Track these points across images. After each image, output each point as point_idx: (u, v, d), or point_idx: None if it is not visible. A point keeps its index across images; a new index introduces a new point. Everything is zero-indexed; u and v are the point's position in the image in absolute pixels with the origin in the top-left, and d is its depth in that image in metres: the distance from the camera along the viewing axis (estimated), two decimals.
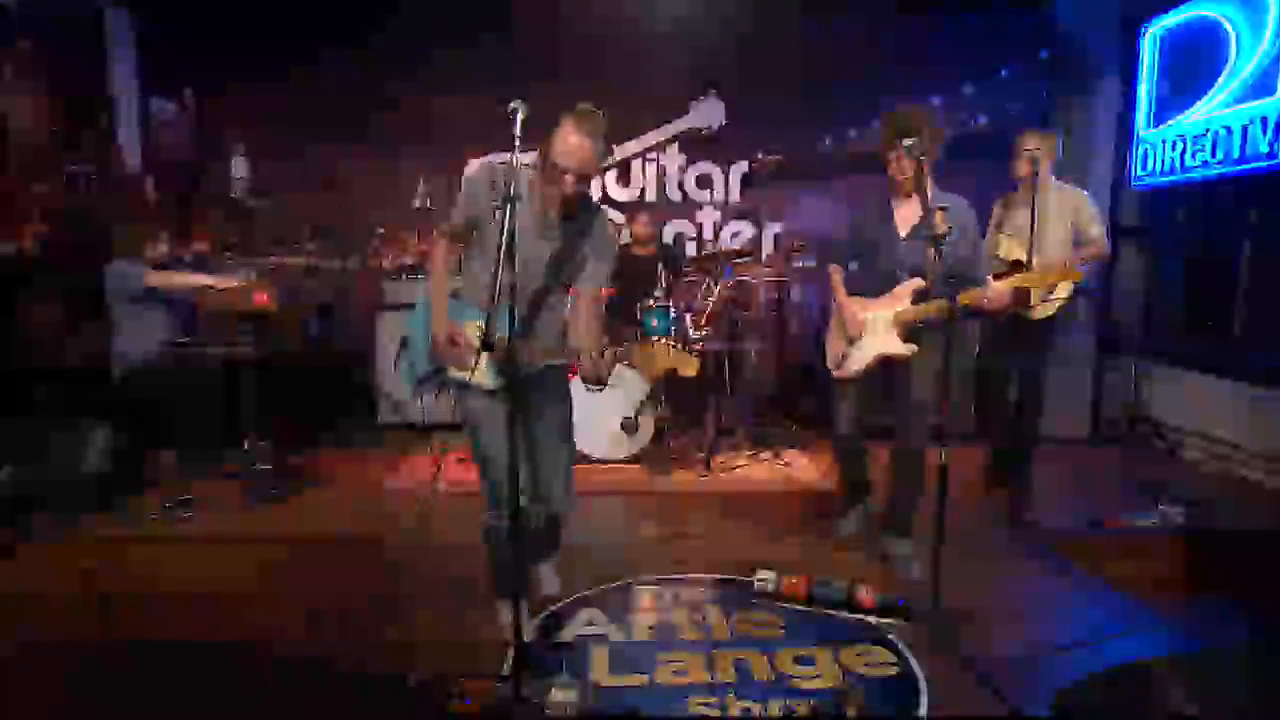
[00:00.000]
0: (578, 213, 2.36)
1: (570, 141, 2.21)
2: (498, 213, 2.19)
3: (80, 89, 5.19)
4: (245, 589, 2.95)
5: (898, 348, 2.95)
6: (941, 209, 2.75)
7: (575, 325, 2.39)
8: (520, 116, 2.04)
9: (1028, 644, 2.51)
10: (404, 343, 2.47)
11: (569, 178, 2.22)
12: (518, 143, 2.02)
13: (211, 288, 3.90)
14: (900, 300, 2.96)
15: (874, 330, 3.00)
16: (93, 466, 3.60)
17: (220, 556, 3.25)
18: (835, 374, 3.12)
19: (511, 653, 2.32)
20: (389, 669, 2.32)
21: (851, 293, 3.11)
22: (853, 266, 3.18)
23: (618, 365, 4.33)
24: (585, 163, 2.22)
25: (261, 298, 3.70)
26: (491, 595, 2.56)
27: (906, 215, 2.98)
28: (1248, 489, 4.25)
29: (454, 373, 2.34)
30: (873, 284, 3.04)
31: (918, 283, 2.93)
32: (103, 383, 4.02)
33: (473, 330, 2.29)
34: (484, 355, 2.21)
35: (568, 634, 2.53)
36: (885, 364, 3.02)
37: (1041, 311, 3.83)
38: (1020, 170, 3.86)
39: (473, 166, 2.46)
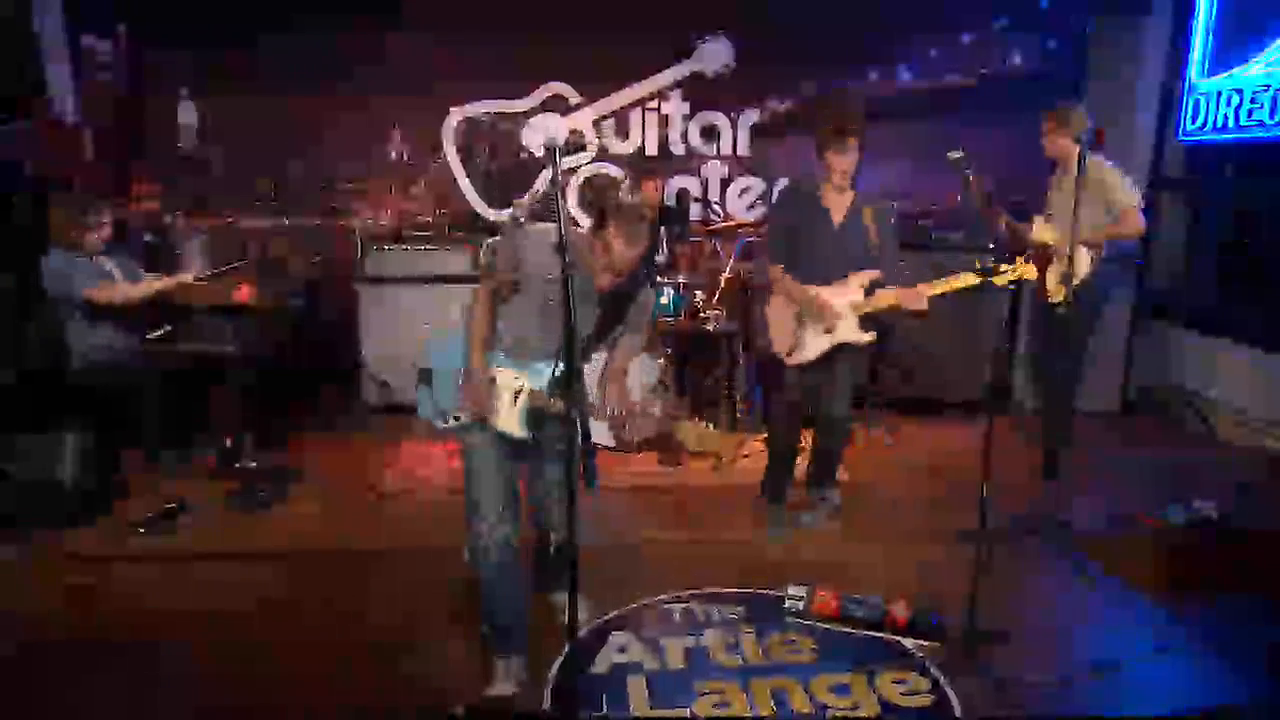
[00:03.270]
0: (624, 287, 2.60)
1: (619, 252, 2.42)
2: (548, 276, 2.41)
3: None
4: (244, 610, 3.13)
5: (859, 335, 3.50)
6: (870, 206, 3.45)
7: (604, 381, 2.72)
8: (560, 154, 2.16)
9: (1061, 665, 2.80)
10: (424, 376, 2.66)
11: (612, 275, 2.48)
12: (559, 182, 2.14)
13: (162, 292, 3.92)
14: (853, 289, 3.48)
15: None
16: (67, 476, 3.74)
17: (212, 573, 3.43)
18: (789, 361, 3.59)
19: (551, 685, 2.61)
20: (426, 702, 2.57)
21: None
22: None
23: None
24: (631, 266, 2.48)
25: (243, 293, 3.80)
26: (488, 648, 2.70)
27: (840, 205, 3.48)
28: None
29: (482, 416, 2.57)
30: (813, 273, 3.52)
31: (873, 274, 3.45)
32: (64, 382, 4.14)
33: (506, 378, 2.56)
34: (516, 404, 2.52)
35: (602, 662, 2.79)
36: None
37: (1056, 298, 4.06)
38: (1047, 152, 4.14)
39: (523, 232, 2.81)
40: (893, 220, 3.54)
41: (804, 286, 3.52)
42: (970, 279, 3.21)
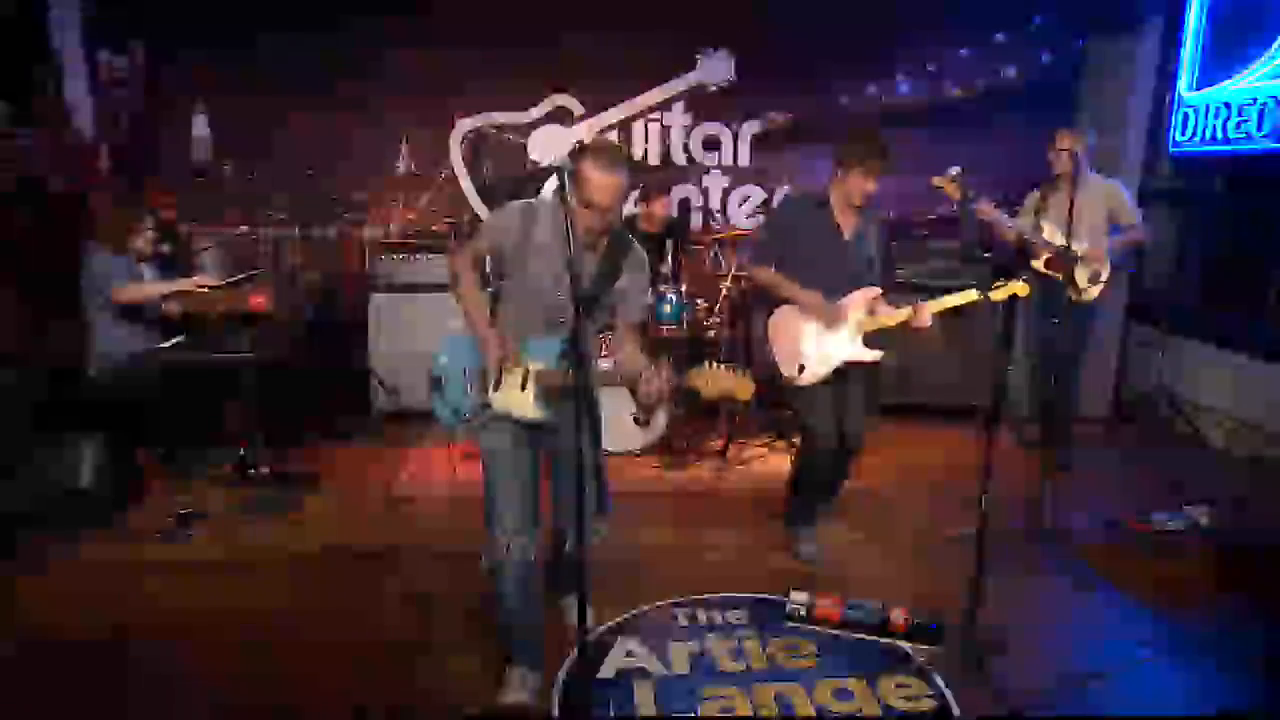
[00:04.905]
0: (611, 244, 2.54)
1: (596, 180, 2.34)
2: (527, 251, 2.45)
3: (19, 44, 5.09)
4: (258, 614, 3.12)
5: (865, 354, 3.37)
6: (875, 220, 3.40)
7: (623, 353, 2.63)
8: (569, 175, 2.16)
9: (1057, 670, 2.81)
10: (435, 383, 2.59)
11: (598, 214, 2.39)
12: (570, 200, 2.14)
13: (192, 291, 3.98)
14: (858, 306, 3.34)
15: (833, 336, 3.34)
16: (86, 482, 3.73)
17: (227, 577, 3.42)
18: (799, 381, 3.37)
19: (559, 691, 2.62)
20: (439, 705, 2.58)
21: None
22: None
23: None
24: (615, 198, 2.39)
25: (258, 300, 3.81)
26: (503, 655, 2.66)
27: (849, 222, 3.35)
28: (1275, 475, 4.59)
29: (498, 404, 2.50)
30: (819, 288, 3.32)
31: (875, 292, 3.34)
32: (81, 387, 4.14)
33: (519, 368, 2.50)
34: (527, 387, 2.45)
35: (609, 667, 2.78)
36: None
37: (1088, 296, 4.39)
38: (1056, 167, 4.32)
39: (503, 210, 2.61)
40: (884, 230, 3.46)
41: (795, 288, 3.33)
42: (971, 295, 3.16)
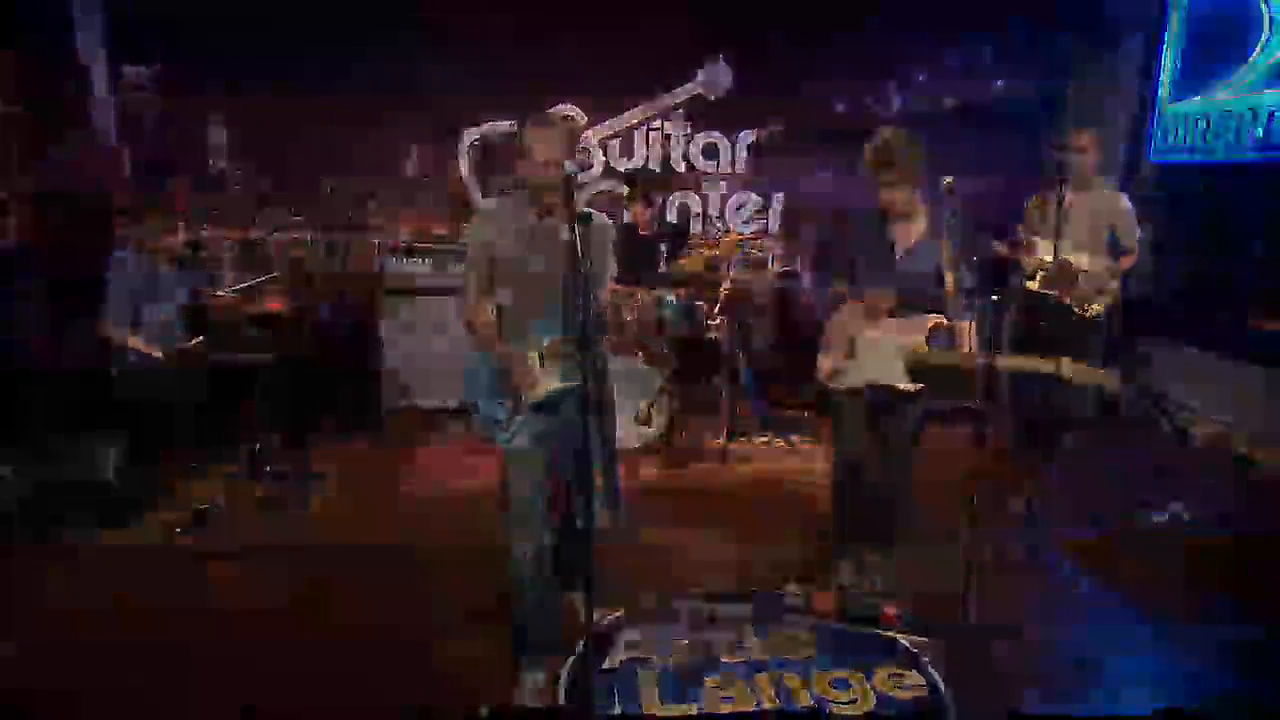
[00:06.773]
0: (575, 220, 2.46)
1: (533, 135, 2.39)
2: (506, 244, 2.49)
3: (48, 57, 5.11)
4: (273, 610, 3.11)
5: (901, 380, 2.91)
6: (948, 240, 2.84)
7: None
8: (575, 179, 2.15)
9: (1045, 662, 2.82)
10: (473, 407, 2.62)
11: (550, 169, 2.39)
12: (575, 205, 2.14)
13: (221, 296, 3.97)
14: (917, 330, 2.92)
15: (875, 350, 2.98)
16: (107, 479, 3.73)
17: (242, 573, 3.42)
18: (829, 384, 3.10)
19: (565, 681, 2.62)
20: (451, 701, 2.57)
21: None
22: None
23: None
24: (558, 148, 2.38)
25: (273, 303, 3.80)
26: (514, 654, 2.67)
27: (903, 234, 2.98)
28: (1256, 476, 4.58)
29: (529, 396, 2.51)
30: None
31: (939, 319, 2.90)
32: (104, 385, 4.12)
33: (528, 354, 2.52)
34: (545, 364, 2.49)
35: (613, 658, 2.79)
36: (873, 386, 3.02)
37: (1094, 311, 4.14)
38: (1071, 170, 4.04)
39: (471, 228, 2.63)
40: (976, 255, 2.91)
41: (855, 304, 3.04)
42: (1060, 367, 2.65)
